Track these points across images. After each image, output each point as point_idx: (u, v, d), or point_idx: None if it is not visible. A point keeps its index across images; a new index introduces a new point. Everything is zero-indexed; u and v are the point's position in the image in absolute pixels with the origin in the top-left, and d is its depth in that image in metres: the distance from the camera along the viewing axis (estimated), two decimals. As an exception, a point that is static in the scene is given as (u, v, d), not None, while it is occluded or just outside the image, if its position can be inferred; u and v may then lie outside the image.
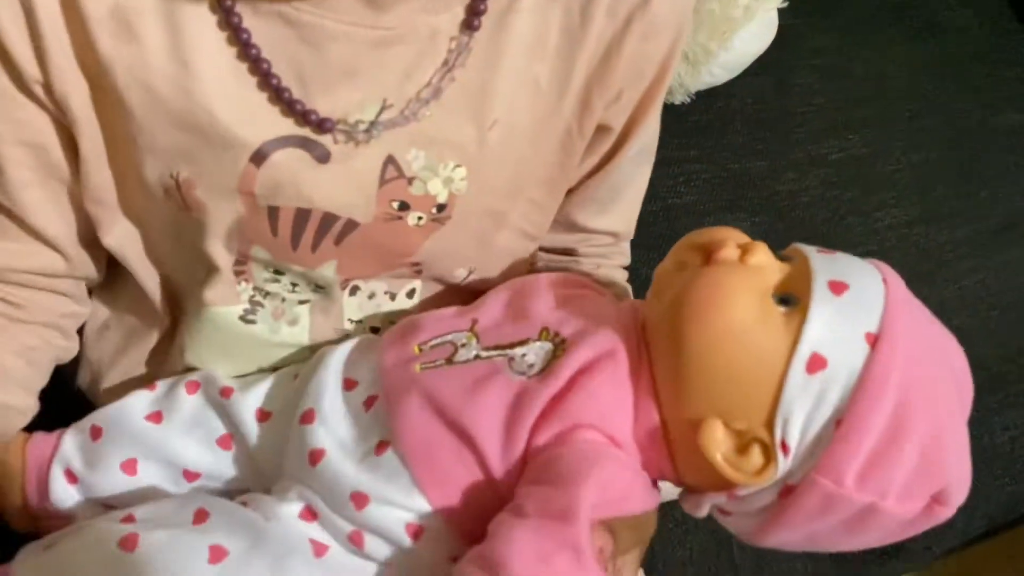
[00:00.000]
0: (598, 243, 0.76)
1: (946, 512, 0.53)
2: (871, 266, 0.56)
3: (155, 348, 0.69)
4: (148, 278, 0.65)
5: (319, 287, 0.64)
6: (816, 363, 0.51)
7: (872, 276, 0.54)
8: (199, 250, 0.60)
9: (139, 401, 0.63)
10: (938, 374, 0.53)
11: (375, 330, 0.68)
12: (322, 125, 0.56)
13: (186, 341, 0.66)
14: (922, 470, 0.51)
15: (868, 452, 0.50)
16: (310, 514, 0.56)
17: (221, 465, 0.62)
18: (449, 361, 0.58)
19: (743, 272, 0.54)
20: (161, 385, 0.64)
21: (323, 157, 0.57)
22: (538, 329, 0.59)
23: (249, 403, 0.63)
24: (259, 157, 0.56)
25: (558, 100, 0.62)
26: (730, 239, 0.56)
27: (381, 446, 0.55)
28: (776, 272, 0.55)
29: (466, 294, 0.69)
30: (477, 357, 0.58)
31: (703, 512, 0.58)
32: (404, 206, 0.60)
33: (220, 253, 0.61)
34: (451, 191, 0.61)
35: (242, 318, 0.64)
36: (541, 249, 0.75)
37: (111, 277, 0.67)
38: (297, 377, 0.63)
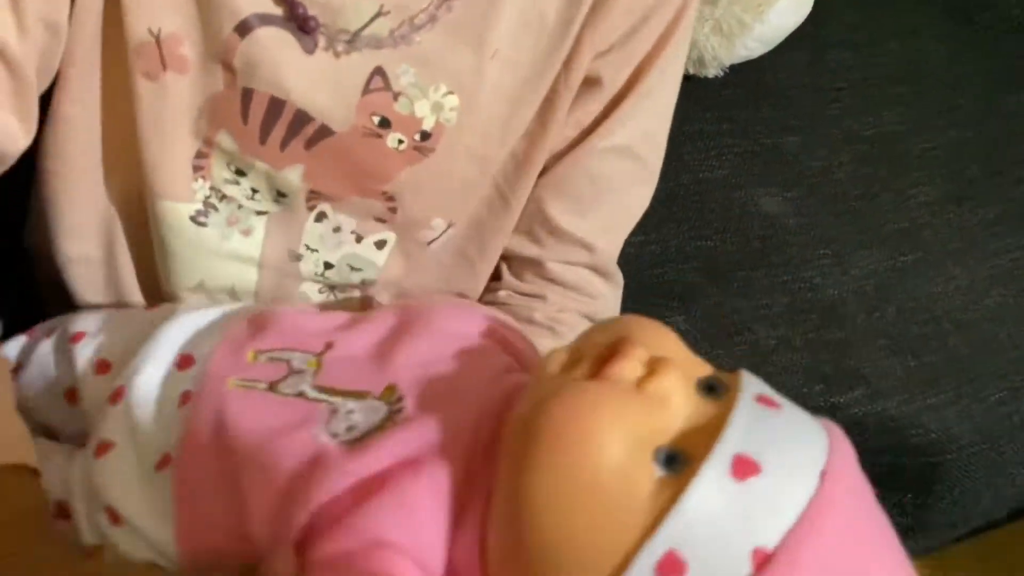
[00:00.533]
0: (569, 256, 0.69)
1: None
2: (817, 442, 0.40)
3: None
4: (91, 165, 0.59)
5: (281, 196, 0.60)
6: (669, 566, 0.37)
7: (807, 464, 0.39)
8: (163, 133, 0.56)
9: (9, 351, 0.57)
10: None
11: (328, 266, 0.65)
12: (305, 23, 0.53)
13: (128, 240, 0.62)
14: None
15: None
16: (62, 513, 0.49)
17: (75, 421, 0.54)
18: (271, 387, 0.48)
19: (631, 403, 0.40)
20: (38, 328, 0.59)
21: (309, 48, 0.55)
22: (385, 384, 0.48)
23: (89, 352, 0.55)
24: (244, 28, 0.53)
25: (560, 40, 0.59)
26: (639, 349, 0.42)
27: (164, 461, 0.47)
28: (680, 411, 0.40)
29: (431, 271, 0.66)
30: (301, 395, 0.48)
31: None
32: (385, 123, 0.58)
33: (184, 138, 0.57)
34: (439, 119, 0.58)
35: (193, 219, 0.60)
36: (510, 271, 0.70)
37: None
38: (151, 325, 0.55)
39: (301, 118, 0.57)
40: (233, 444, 0.45)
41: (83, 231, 0.62)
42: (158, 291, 0.65)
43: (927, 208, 1.22)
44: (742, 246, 1.11)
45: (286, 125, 0.57)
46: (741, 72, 1.25)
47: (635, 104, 0.64)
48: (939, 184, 1.26)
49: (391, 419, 0.45)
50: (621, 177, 0.68)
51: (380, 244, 0.65)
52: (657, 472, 0.38)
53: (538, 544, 0.39)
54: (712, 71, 1.23)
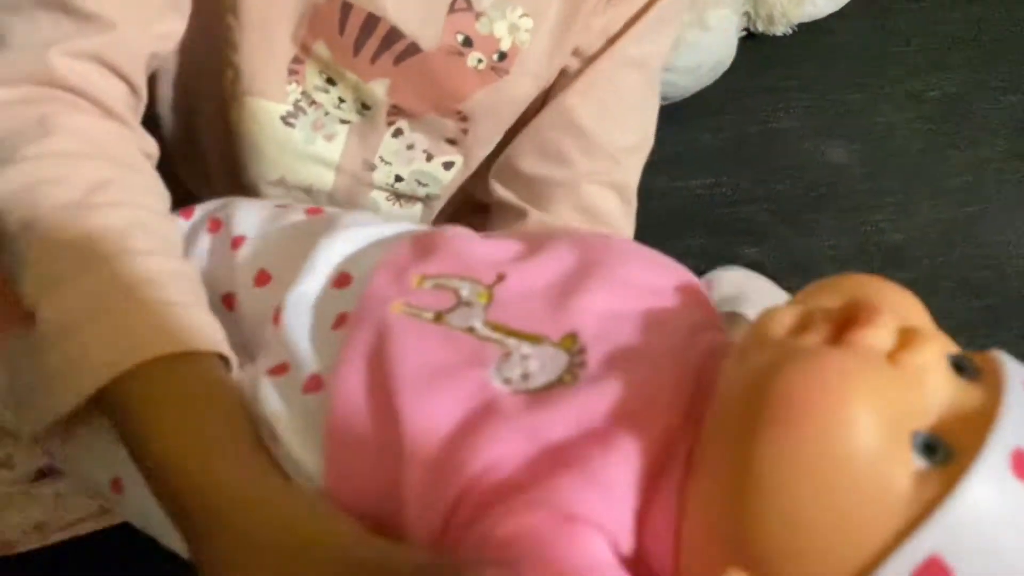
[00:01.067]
0: (599, 173, 0.69)
1: None
2: None
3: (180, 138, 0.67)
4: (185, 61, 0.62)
5: (365, 108, 0.64)
6: (932, 570, 0.32)
7: None
8: (266, 35, 0.59)
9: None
10: None
11: (399, 179, 0.68)
12: None
13: (212, 136, 0.65)
14: None
15: None
16: None
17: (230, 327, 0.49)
18: (438, 318, 0.43)
19: (886, 377, 0.34)
20: (198, 211, 0.56)
21: None
22: (564, 331, 0.42)
23: (254, 259, 0.52)
24: None
25: None
26: (888, 313, 0.36)
27: (315, 384, 0.43)
28: (941, 392, 0.35)
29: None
30: (470, 330, 0.43)
31: None
32: (468, 42, 0.61)
33: (284, 42, 0.60)
34: (514, 41, 0.62)
35: (283, 119, 0.63)
36: (536, 204, 0.68)
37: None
38: (310, 237, 0.52)
39: (393, 35, 0.60)
40: (393, 376, 0.40)
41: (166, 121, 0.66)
42: (237, 182, 0.68)
43: (991, 164, 1.25)
44: (809, 191, 1.15)
45: (379, 40, 0.60)
46: (808, 31, 1.30)
47: (656, 21, 0.68)
48: (1002, 143, 1.29)
49: (572, 373, 0.40)
50: (643, 91, 0.70)
51: (448, 165, 0.69)
52: (916, 462, 0.33)
53: (762, 530, 0.34)
54: (780, 29, 1.28)
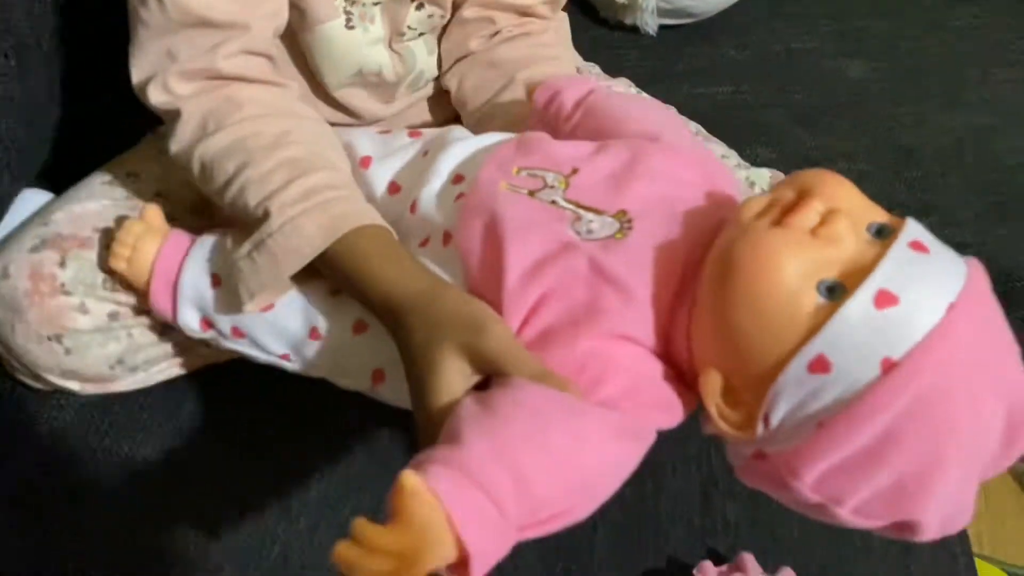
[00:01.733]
0: None
1: (918, 537, 0.52)
2: (953, 281, 0.50)
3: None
4: None
5: None
6: (819, 365, 0.49)
7: (937, 298, 0.49)
8: None
9: None
10: (958, 418, 0.49)
11: (423, 34, 0.82)
12: None
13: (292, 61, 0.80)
14: (890, 498, 0.50)
15: (836, 462, 0.50)
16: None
17: None
18: (531, 194, 0.62)
19: (803, 244, 0.51)
20: None
21: None
22: (618, 207, 0.60)
23: (384, 174, 0.71)
24: None
25: None
26: (816, 201, 0.52)
27: (446, 236, 0.64)
28: (848, 251, 0.51)
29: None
30: (553, 203, 0.61)
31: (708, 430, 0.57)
32: None
33: None
34: None
35: (345, 26, 0.76)
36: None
37: None
38: (427, 155, 0.70)
39: None
40: (501, 226, 0.59)
41: None
42: (320, 88, 0.82)
43: (1009, 85, 1.31)
44: (828, 99, 1.23)
45: None
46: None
47: None
48: (1021, 68, 1.35)
49: (621, 231, 0.59)
50: None
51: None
52: (819, 299, 0.50)
53: (725, 336, 0.53)
54: (808, -42, 1.36)
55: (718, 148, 0.94)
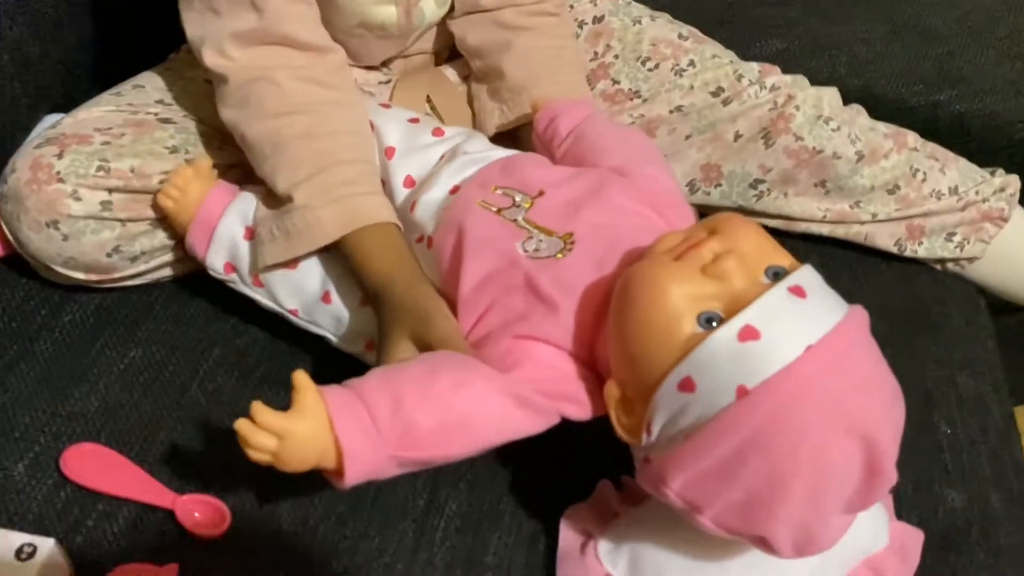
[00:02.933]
0: None
1: (775, 555, 0.57)
2: (819, 326, 0.55)
3: None
4: None
5: None
6: (687, 385, 0.55)
7: (797, 338, 0.54)
8: None
9: None
10: (800, 450, 0.53)
11: None
12: None
13: None
14: (741, 513, 0.56)
15: (696, 474, 0.56)
16: None
17: None
18: (499, 211, 0.71)
19: (689, 279, 0.58)
20: None
21: None
22: (566, 230, 0.68)
23: (403, 169, 0.79)
24: None
25: None
26: (714, 242, 0.59)
27: (429, 241, 0.73)
28: (732, 288, 0.57)
29: None
30: (515, 221, 0.70)
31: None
32: None
33: None
34: None
35: None
36: None
37: None
38: (440, 159, 0.79)
39: None
40: (464, 241, 0.69)
41: None
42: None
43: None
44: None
45: None
46: None
47: None
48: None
49: (563, 251, 0.67)
50: None
51: None
52: (697, 328, 0.56)
53: (623, 353, 0.60)
54: None
55: (710, 48, 0.95)
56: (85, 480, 0.70)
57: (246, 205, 0.79)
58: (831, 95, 0.94)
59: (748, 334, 0.54)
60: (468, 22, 0.90)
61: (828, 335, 0.54)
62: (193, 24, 0.78)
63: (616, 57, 0.95)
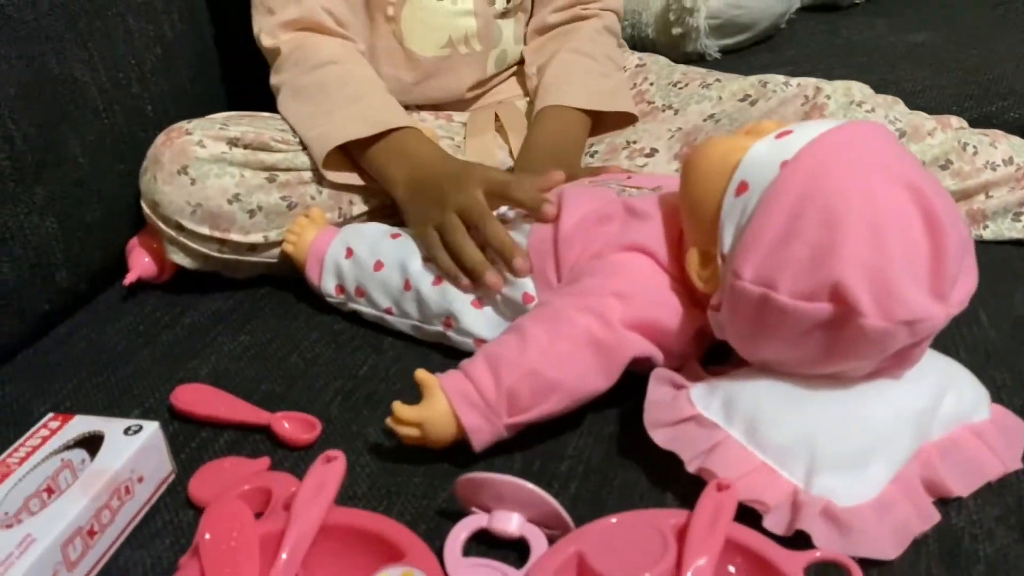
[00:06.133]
0: None
1: (862, 320, 0.57)
2: (838, 122, 0.64)
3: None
4: None
5: None
6: (742, 188, 0.64)
7: (822, 124, 0.64)
8: None
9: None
10: (847, 188, 0.59)
11: (510, 2, 1.08)
12: None
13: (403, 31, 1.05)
14: (811, 267, 0.58)
15: (762, 249, 0.60)
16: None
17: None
18: (592, 185, 0.84)
19: (738, 135, 0.69)
20: None
21: None
22: (653, 185, 0.81)
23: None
24: None
25: None
26: (755, 127, 0.70)
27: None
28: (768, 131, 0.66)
29: None
30: (609, 187, 0.81)
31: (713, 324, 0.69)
32: None
33: None
34: None
35: None
36: None
37: None
38: None
39: None
40: (563, 196, 0.79)
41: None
42: (412, 60, 1.06)
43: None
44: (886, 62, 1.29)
45: None
46: None
47: None
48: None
49: (654, 191, 0.79)
50: None
51: None
52: (740, 155, 0.66)
53: (690, 208, 0.70)
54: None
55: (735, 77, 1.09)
56: (191, 407, 0.76)
57: (348, 235, 0.90)
58: (859, 85, 0.98)
59: (783, 134, 0.64)
60: (539, 44, 1.11)
61: (853, 122, 0.65)
62: (257, 21, 1.02)
63: (651, 84, 1.10)
